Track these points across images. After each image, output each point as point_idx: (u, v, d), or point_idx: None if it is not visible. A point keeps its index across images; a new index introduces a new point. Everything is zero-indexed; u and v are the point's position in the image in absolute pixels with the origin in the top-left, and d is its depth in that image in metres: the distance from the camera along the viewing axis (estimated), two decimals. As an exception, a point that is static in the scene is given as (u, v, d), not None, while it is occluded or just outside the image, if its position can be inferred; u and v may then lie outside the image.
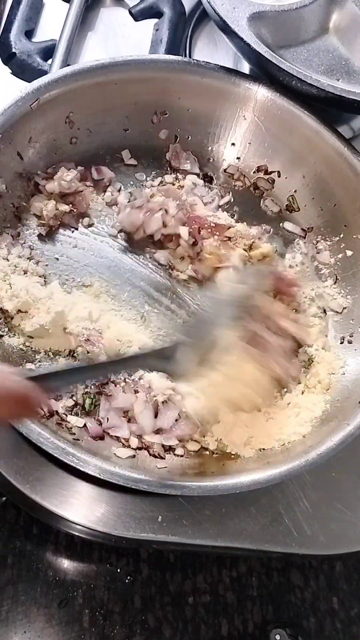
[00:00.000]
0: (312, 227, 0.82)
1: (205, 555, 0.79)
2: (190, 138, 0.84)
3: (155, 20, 0.96)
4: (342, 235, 0.79)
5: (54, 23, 0.93)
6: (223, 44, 0.95)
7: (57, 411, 0.67)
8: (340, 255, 0.79)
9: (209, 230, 0.77)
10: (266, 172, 0.82)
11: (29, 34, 0.92)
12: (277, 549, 0.72)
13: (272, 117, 0.79)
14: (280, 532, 0.72)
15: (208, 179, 0.84)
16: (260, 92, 0.78)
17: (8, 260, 0.72)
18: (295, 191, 0.82)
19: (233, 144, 0.83)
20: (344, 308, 0.78)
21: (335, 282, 0.79)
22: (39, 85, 0.72)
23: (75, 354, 0.70)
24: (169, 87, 0.80)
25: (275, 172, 0.83)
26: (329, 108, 0.76)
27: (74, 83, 0.75)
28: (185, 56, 0.96)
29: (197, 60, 0.78)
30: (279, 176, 0.83)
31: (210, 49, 0.98)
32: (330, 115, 0.78)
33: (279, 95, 0.77)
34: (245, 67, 0.91)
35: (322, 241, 0.81)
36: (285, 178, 0.82)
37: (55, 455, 0.60)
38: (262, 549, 0.72)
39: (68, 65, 0.85)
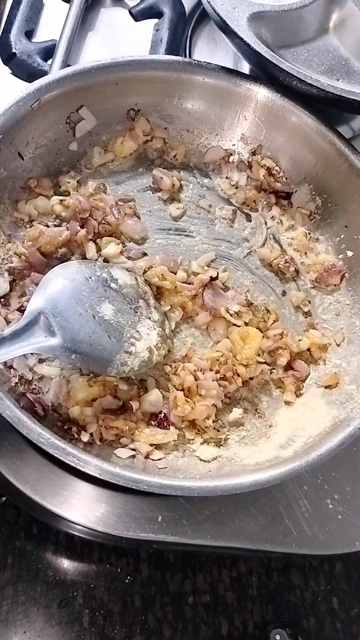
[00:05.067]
0: (312, 227, 0.82)
1: (205, 555, 0.79)
2: (190, 139, 0.84)
3: (155, 20, 0.96)
4: (342, 236, 0.79)
5: (54, 23, 0.93)
6: (223, 44, 0.95)
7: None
8: (340, 256, 0.79)
9: None
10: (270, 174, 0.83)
11: (29, 34, 0.92)
12: (277, 549, 0.72)
13: (273, 117, 0.79)
14: (280, 532, 0.72)
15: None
16: (261, 93, 0.78)
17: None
18: (295, 191, 0.82)
19: (234, 145, 0.83)
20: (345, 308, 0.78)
21: None
22: (40, 86, 0.72)
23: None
24: (169, 87, 0.80)
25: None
26: (329, 108, 0.76)
27: (75, 83, 0.75)
28: (186, 56, 0.96)
29: (197, 61, 0.78)
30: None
31: (210, 49, 0.98)
32: (330, 115, 0.78)
33: (280, 95, 0.77)
34: (245, 67, 0.91)
35: (323, 242, 0.81)
36: (286, 179, 0.82)
37: (55, 455, 0.60)
38: (262, 549, 0.72)
39: (68, 65, 0.85)
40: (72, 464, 0.59)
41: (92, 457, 0.60)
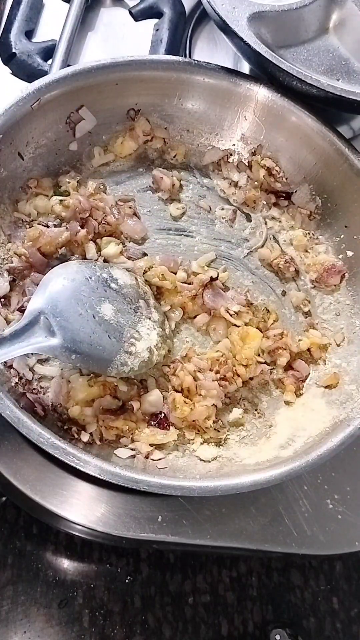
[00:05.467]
0: (312, 227, 0.82)
1: (205, 555, 0.79)
2: (190, 138, 0.84)
3: (155, 20, 0.96)
4: (342, 236, 0.79)
5: (54, 23, 0.93)
6: (223, 44, 0.95)
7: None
8: (340, 256, 0.79)
9: None
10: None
11: (29, 34, 0.92)
12: (277, 549, 0.72)
13: (273, 117, 0.79)
14: (280, 532, 0.72)
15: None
16: (261, 93, 0.78)
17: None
18: (295, 191, 0.82)
19: (234, 145, 0.83)
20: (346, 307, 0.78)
21: None
22: (40, 86, 0.72)
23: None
24: (169, 87, 0.80)
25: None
26: (329, 108, 0.76)
27: (75, 83, 0.75)
28: (186, 56, 0.96)
29: (197, 61, 0.78)
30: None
31: (210, 49, 0.98)
32: (330, 115, 0.78)
33: (280, 95, 0.77)
34: (245, 67, 0.91)
35: (323, 242, 0.81)
36: (286, 179, 0.82)
37: (55, 455, 0.60)
38: (262, 549, 0.72)
39: (68, 65, 0.85)
40: (72, 464, 0.59)
41: (92, 457, 0.60)
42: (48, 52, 0.90)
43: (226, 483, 0.62)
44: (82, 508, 0.71)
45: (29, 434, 0.60)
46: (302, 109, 0.77)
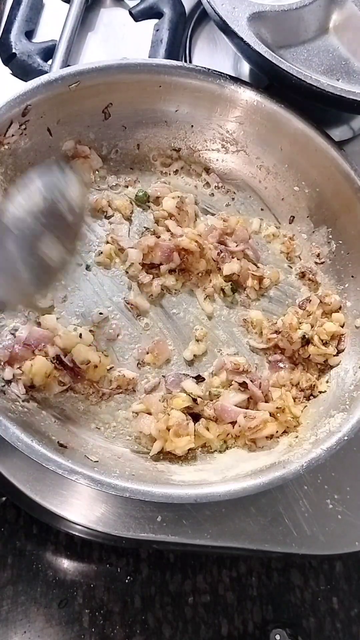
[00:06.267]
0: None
1: (205, 555, 0.79)
2: (182, 143, 0.83)
3: (156, 20, 0.96)
4: (347, 285, 0.78)
5: (54, 23, 0.93)
6: (223, 44, 0.95)
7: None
8: (333, 249, 0.79)
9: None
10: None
11: (29, 34, 0.92)
12: (277, 549, 0.72)
13: (266, 121, 0.79)
14: (280, 532, 0.72)
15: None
16: (256, 98, 0.77)
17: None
18: (313, 232, 0.82)
19: (225, 148, 0.83)
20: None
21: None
22: (81, 69, 0.73)
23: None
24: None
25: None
26: (329, 108, 0.76)
27: (117, 76, 0.75)
28: (186, 56, 0.96)
29: (192, 65, 0.78)
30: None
31: (210, 49, 0.98)
32: (330, 115, 0.78)
33: (275, 101, 0.77)
34: (245, 67, 0.91)
35: (327, 286, 0.80)
36: (279, 181, 0.81)
37: (40, 462, 0.59)
38: (262, 549, 0.72)
39: (68, 65, 0.85)
40: (60, 473, 0.59)
41: (81, 466, 0.59)
42: (48, 52, 0.90)
43: (228, 489, 0.61)
44: (82, 508, 0.71)
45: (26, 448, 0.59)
46: (294, 113, 0.77)
